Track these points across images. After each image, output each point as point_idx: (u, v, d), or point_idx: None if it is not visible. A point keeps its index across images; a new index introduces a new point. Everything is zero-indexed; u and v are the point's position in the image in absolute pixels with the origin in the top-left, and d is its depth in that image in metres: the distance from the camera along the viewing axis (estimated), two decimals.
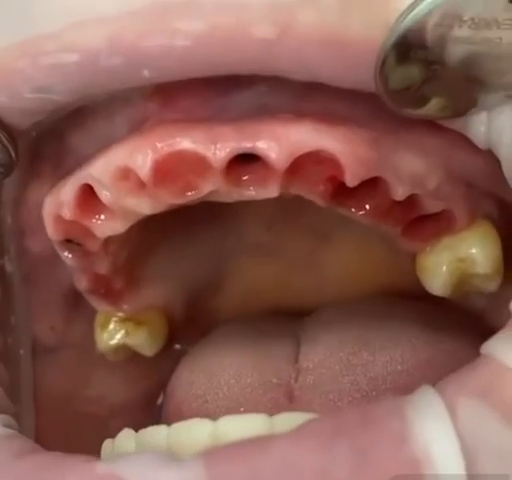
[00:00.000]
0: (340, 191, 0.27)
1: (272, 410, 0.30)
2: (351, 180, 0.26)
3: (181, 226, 0.35)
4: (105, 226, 0.29)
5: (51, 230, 0.30)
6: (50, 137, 0.30)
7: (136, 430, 0.33)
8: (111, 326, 0.35)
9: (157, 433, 0.28)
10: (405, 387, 0.30)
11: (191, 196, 0.27)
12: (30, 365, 0.35)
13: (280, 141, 0.26)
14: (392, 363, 0.31)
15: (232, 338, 0.34)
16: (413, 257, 0.32)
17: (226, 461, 0.22)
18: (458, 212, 0.29)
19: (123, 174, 0.27)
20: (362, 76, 0.25)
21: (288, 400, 0.31)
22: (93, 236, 0.30)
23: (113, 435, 0.32)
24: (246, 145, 0.26)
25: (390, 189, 0.27)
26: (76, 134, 0.30)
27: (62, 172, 0.31)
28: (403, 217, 0.29)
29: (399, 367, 0.31)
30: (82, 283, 0.33)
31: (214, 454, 0.22)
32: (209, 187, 0.27)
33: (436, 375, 0.29)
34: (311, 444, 0.21)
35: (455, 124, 0.27)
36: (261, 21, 0.24)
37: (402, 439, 0.21)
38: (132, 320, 0.35)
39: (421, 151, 0.28)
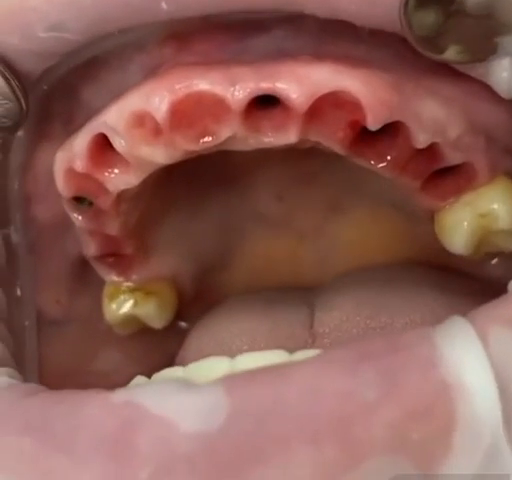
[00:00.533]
0: (360, 138, 0.27)
1: None
2: (373, 122, 0.26)
3: (192, 194, 0.35)
4: (118, 179, 0.28)
5: (62, 185, 0.29)
6: (61, 92, 0.30)
7: None
8: (120, 296, 0.34)
9: (172, 373, 0.27)
10: None
11: (208, 142, 0.27)
12: (35, 337, 0.34)
13: (300, 81, 0.25)
14: (411, 325, 0.30)
15: (243, 306, 0.33)
16: (428, 223, 0.31)
17: (247, 385, 0.21)
18: (478, 166, 0.29)
19: (138, 120, 0.27)
20: (384, 15, 0.25)
21: None
22: (105, 191, 0.29)
23: None
24: (266, 85, 0.26)
25: (411, 136, 0.27)
26: (88, 87, 0.29)
27: (73, 131, 0.30)
28: (423, 168, 0.28)
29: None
30: (91, 248, 0.32)
31: (234, 379, 0.21)
32: (227, 132, 0.26)
33: None
34: (336, 369, 0.21)
35: (476, 71, 0.26)
36: None
37: (432, 363, 0.21)
38: (141, 290, 0.34)
39: (442, 98, 0.28)
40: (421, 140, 0.27)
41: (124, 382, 0.34)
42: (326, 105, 0.26)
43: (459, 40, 0.25)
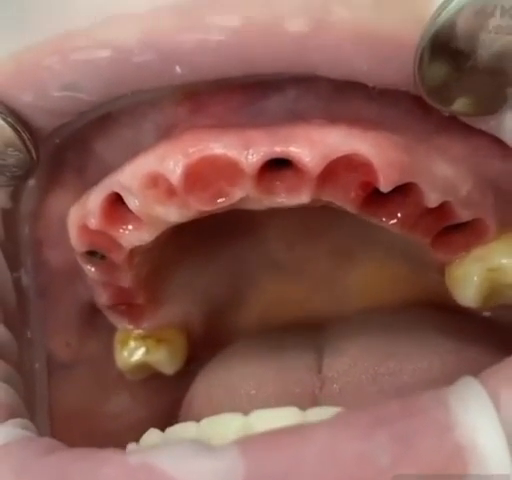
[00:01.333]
0: (372, 199, 0.27)
1: None
2: (385, 185, 0.26)
3: (203, 242, 0.35)
4: (132, 236, 0.29)
5: (75, 241, 0.30)
6: (74, 144, 0.30)
7: None
8: (131, 344, 0.34)
9: (185, 429, 0.27)
10: None
11: (222, 203, 0.27)
12: (45, 380, 0.35)
13: (313, 145, 0.26)
14: (420, 372, 0.30)
15: (251, 350, 0.34)
16: (438, 272, 0.32)
17: (263, 449, 0.21)
18: (488, 222, 0.29)
19: (152, 181, 0.27)
20: (396, 72, 0.26)
21: None
22: (119, 246, 0.29)
23: None
24: (279, 149, 0.26)
25: (423, 196, 0.27)
26: (101, 141, 0.30)
27: (86, 182, 0.31)
28: (434, 226, 0.29)
29: (426, 376, 0.30)
30: (103, 298, 0.32)
31: (250, 442, 0.21)
32: (240, 194, 0.27)
33: None
34: (352, 432, 0.21)
35: (486, 124, 0.27)
36: (295, 15, 0.24)
37: (447, 427, 0.21)
38: (152, 337, 0.35)
39: (452, 157, 0.28)
40: (432, 199, 0.27)
41: (133, 424, 0.35)
42: (338, 167, 0.26)
43: (469, 92, 0.25)
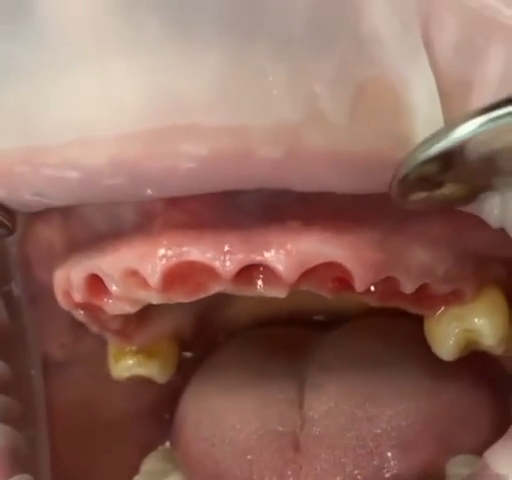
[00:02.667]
0: (348, 287, 0.28)
1: (279, 461, 0.33)
2: (360, 286, 0.27)
3: None
4: (115, 306, 0.30)
5: (62, 302, 0.31)
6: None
7: (147, 441, 0.35)
8: (124, 360, 0.36)
9: None
10: (409, 442, 0.32)
11: (199, 295, 0.28)
12: (42, 384, 0.37)
13: (288, 255, 0.27)
14: (396, 418, 0.32)
15: (235, 377, 0.35)
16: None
17: None
18: (467, 288, 0.30)
19: (132, 272, 0.28)
20: (373, 186, 0.26)
21: (294, 451, 0.33)
22: (104, 311, 0.31)
23: (125, 444, 0.36)
24: (255, 258, 0.27)
25: (399, 284, 0.28)
26: (82, 210, 0.30)
27: (72, 226, 0.31)
28: (410, 299, 0.30)
29: (403, 422, 0.32)
30: (93, 329, 0.34)
31: None
32: (218, 288, 0.28)
33: (439, 429, 0.31)
34: None
35: (466, 208, 0.27)
36: (265, 143, 0.24)
37: None
38: (144, 352, 0.37)
39: (431, 240, 0.29)
40: (409, 287, 0.28)
41: (131, 417, 0.38)
42: (314, 271, 0.27)
43: (456, 184, 0.26)
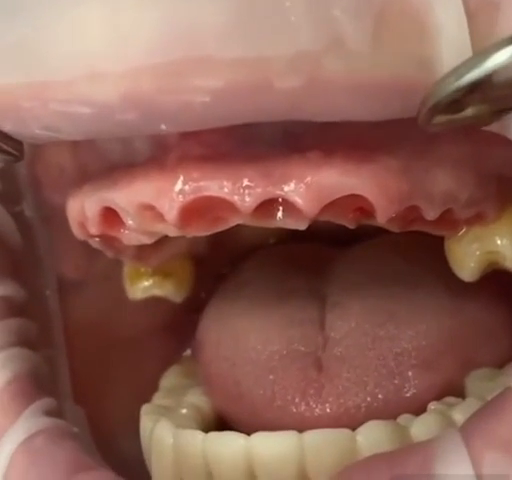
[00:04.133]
0: (370, 216, 0.28)
1: (301, 380, 0.33)
2: (382, 217, 0.27)
3: None
4: (132, 237, 0.30)
5: (76, 232, 0.31)
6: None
7: (166, 356, 0.36)
8: (139, 281, 0.36)
9: (193, 437, 0.31)
10: (430, 362, 0.33)
11: (218, 228, 0.28)
12: (57, 304, 0.37)
13: (308, 188, 0.26)
14: (417, 338, 0.33)
15: (256, 296, 0.36)
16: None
17: None
18: (489, 209, 0.30)
19: (148, 207, 0.28)
20: (398, 113, 0.25)
21: (317, 371, 0.33)
22: (120, 241, 0.30)
23: (143, 360, 0.36)
24: (274, 192, 0.26)
25: (422, 212, 0.28)
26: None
27: (83, 152, 0.31)
28: (433, 224, 0.29)
29: (424, 342, 0.33)
30: (109, 254, 0.34)
31: None
32: (237, 221, 0.27)
33: (460, 348, 0.32)
34: None
35: (490, 127, 0.26)
36: (283, 74, 0.23)
37: None
38: (159, 272, 0.37)
39: (453, 163, 0.28)
40: (432, 215, 0.28)
41: (147, 332, 0.38)
42: (335, 203, 0.27)
43: (482, 105, 0.25)
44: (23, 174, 0.35)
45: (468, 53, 0.24)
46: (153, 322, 0.40)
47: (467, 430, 0.26)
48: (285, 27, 0.23)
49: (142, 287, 0.37)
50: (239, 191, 0.26)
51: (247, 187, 0.26)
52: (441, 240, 0.32)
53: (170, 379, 0.38)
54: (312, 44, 0.23)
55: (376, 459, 0.26)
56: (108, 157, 0.29)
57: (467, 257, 0.31)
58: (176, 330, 0.40)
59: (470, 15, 0.24)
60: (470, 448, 0.25)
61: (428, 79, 0.24)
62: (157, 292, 0.37)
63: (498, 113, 0.25)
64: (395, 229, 0.29)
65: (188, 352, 0.40)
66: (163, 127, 0.24)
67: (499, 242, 0.31)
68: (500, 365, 0.33)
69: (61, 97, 0.24)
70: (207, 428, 0.33)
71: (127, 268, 0.37)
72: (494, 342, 0.33)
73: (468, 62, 0.23)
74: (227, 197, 0.26)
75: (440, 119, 0.24)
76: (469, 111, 0.24)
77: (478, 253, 0.31)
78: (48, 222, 0.36)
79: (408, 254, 0.35)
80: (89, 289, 0.38)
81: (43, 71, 0.24)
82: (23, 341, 0.33)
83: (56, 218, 0.35)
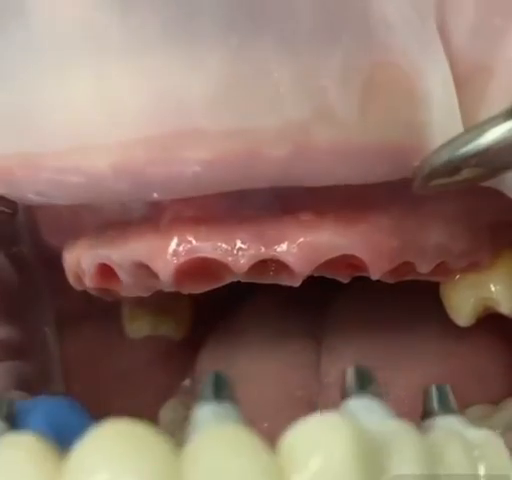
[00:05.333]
0: (363, 271, 0.28)
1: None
2: (375, 274, 0.27)
3: None
4: (128, 292, 0.30)
5: (74, 283, 0.32)
6: None
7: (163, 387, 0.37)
8: (138, 320, 0.37)
9: None
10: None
11: (212, 286, 0.28)
12: (56, 341, 0.38)
13: (301, 249, 0.27)
14: (410, 385, 0.33)
15: (252, 339, 0.36)
16: None
17: None
18: (483, 258, 0.30)
19: (143, 265, 0.28)
20: (386, 174, 0.26)
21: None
22: (116, 293, 0.31)
23: (142, 394, 0.37)
24: (267, 253, 0.27)
25: (415, 267, 0.28)
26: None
27: (78, 209, 0.32)
28: (427, 274, 0.30)
29: (416, 389, 0.33)
30: (108, 299, 0.35)
31: None
32: (231, 279, 0.28)
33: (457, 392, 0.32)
34: None
35: (485, 183, 0.27)
36: (272, 143, 0.24)
37: None
38: (158, 312, 0.37)
39: (445, 218, 0.29)
40: (425, 267, 0.29)
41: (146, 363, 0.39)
42: (328, 263, 0.27)
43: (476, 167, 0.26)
44: (21, 217, 0.35)
45: (457, 118, 0.25)
46: (152, 356, 0.40)
47: None
48: (273, 98, 0.24)
49: (141, 326, 0.37)
50: (233, 252, 0.27)
51: (240, 249, 0.27)
52: (437, 284, 0.32)
53: (169, 412, 0.38)
54: (300, 113, 0.24)
55: None
56: (103, 214, 0.30)
57: (462, 303, 0.32)
58: (174, 362, 0.40)
59: (462, 80, 0.25)
60: None
61: (418, 144, 0.25)
62: (156, 331, 0.37)
63: (492, 173, 0.25)
64: (389, 281, 0.29)
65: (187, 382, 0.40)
66: (155, 195, 0.25)
67: (493, 288, 0.31)
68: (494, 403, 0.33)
69: (53, 166, 0.25)
70: None
71: (125, 308, 0.37)
72: (487, 384, 0.34)
73: (464, 135, 0.23)
74: (221, 259, 0.27)
75: (435, 183, 0.25)
76: (464, 173, 0.25)
77: (473, 299, 0.32)
78: (46, 261, 0.36)
79: (403, 297, 0.35)
80: (88, 324, 0.38)
81: (35, 141, 0.25)
82: (21, 384, 0.34)
83: (55, 258, 0.35)
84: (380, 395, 0.24)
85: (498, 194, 0.27)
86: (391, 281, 0.29)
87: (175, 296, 0.35)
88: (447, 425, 0.25)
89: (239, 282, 0.29)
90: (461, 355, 0.33)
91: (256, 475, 0.19)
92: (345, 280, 0.28)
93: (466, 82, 0.25)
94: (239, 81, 0.23)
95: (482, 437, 0.24)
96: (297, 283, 0.28)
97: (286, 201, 0.27)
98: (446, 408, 0.25)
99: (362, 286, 0.36)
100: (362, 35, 0.24)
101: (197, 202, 0.27)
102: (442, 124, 0.25)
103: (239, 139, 0.24)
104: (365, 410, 0.23)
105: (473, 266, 0.31)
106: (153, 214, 0.28)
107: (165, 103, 0.24)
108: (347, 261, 0.28)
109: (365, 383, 0.24)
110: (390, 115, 0.24)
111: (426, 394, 0.26)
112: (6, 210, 0.28)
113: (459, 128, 0.25)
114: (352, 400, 0.23)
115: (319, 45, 0.24)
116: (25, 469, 0.19)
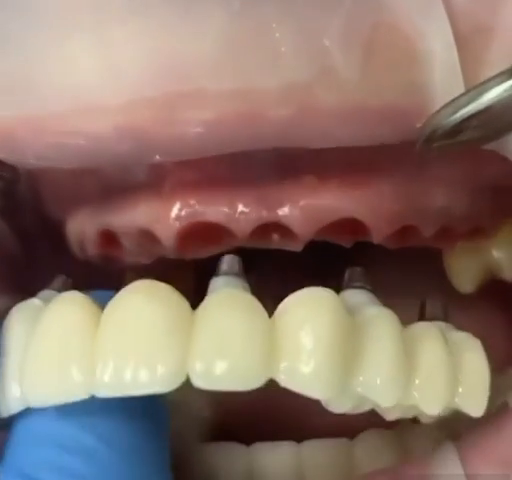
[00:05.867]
0: (366, 236, 0.29)
1: None
2: (377, 238, 0.28)
3: None
4: (130, 257, 0.31)
5: (77, 252, 0.32)
6: None
7: None
8: None
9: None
10: None
11: (215, 251, 0.29)
12: None
13: (303, 212, 0.27)
14: None
15: None
16: None
17: None
18: (486, 223, 0.31)
19: (145, 231, 0.28)
20: (389, 135, 0.26)
21: None
22: (118, 259, 0.31)
23: None
24: (269, 216, 0.27)
25: (419, 231, 0.28)
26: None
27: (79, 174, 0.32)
28: (430, 239, 0.30)
29: None
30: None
31: None
32: (233, 244, 0.28)
33: None
34: None
35: (487, 146, 0.27)
36: (275, 104, 0.24)
37: None
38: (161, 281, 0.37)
39: (447, 182, 0.29)
40: (428, 231, 0.29)
41: None
42: (331, 225, 0.27)
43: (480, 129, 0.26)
44: (23, 189, 0.35)
45: (459, 78, 0.25)
46: None
47: (464, 447, 0.27)
48: (275, 58, 0.24)
49: None
50: (235, 216, 0.27)
51: (242, 213, 0.27)
52: (440, 257, 0.33)
53: None
54: (302, 74, 0.24)
55: (375, 476, 0.27)
56: (105, 179, 0.30)
57: (465, 269, 0.32)
58: None
59: (462, 40, 0.25)
60: (466, 465, 0.26)
61: (419, 105, 0.25)
62: None
63: (495, 134, 0.26)
64: (392, 246, 0.29)
65: None
66: (157, 157, 0.25)
67: (495, 254, 0.32)
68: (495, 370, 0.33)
69: (55, 129, 0.25)
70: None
71: (128, 278, 0.37)
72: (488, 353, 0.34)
73: (466, 95, 0.24)
74: (223, 222, 0.27)
75: (438, 144, 0.25)
76: (466, 134, 0.25)
77: (475, 265, 0.32)
78: (48, 231, 0.37)
79: (405, 269, 0.36)
80: None
81: (37, 104, 0.25)
82: None
83: (56, 228, 0.36)
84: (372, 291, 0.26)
85: (500, 159, 0.27)
86: (394, 246, 0.29)
87: (178, 265, 0.36)
88: (434, 325, 0.26)
89: (243, 253, 0.29)
90: (463, 326, 0.33)
91: (254, 334, 0.23)
92: (347, 245, 0.28)
93: (467, 43, 0.25)
94: (240, 41, 0.24)
95: (461, 336, 0.26)
96: (299, 248, 0.28)
97: (288, 165, 0.27)
98: (436, 317, 0.27)
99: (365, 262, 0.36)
100: None
101: (199, 166, 0.27)
102: (444, 84, 0.25)
103: (241, 99, 0.24)
104: (357, 296, 0.26)
105: (475, 232, 0.31)
106: (155, 180, 0.28)
107: (166, 64, 0.24)
108: (349, 225, 0.28)
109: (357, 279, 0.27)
110: (391, 76, 0.24)
111: (422, 304, 0.28)
112: (7, 176, 0.28)
113: (461, 88, 0.25)
114: (347, 291, 0.26)
115: (321, 6, 0.24)
116: (76, 315, 0.24)
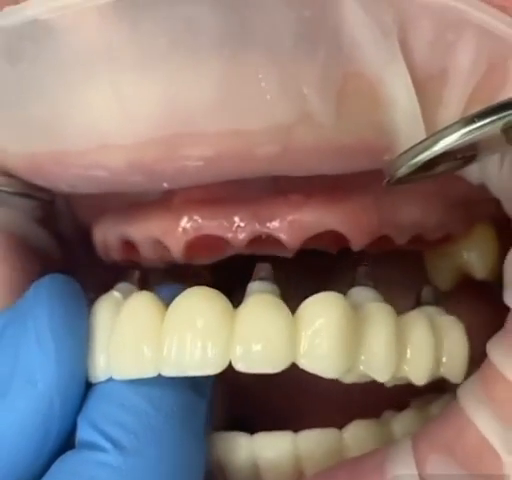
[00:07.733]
0: (346, 244, 0.34)
1: None
2: (356, 246, 0.33)
3: None
4: (147, 263, 0.37)
5: (103, 256, 0.38)
6: None
7: None
8: None
9: None
10: None
11: (217, 258, 0.34)
12: None
13: (291, 226, 0.32)
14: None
15: None
16: None
17: None
18: (457, 230, 0.36)
19: (158, 241, 0.34)
20: (360, 166, 0.30)
21: None
22: (140, 265, 0.37)
23: None
24: (262, 229, 0.33)
25: (393, 240, 0.34)
26: None
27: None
28: (405, 245, 0.35)
29: None
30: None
31: None
32: (233, 252, 0.34)
33: None
34: None
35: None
36: (262, 143, 0.29)
37: None
38: (182, 279, 0.43)
39: (419, 197, 0.34)
40: (402, 240, 0.34)
41: None
42: (316, 236, 0.33)
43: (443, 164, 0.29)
44: (60, 202, 0.41)
45: (419, 118, 0.29)
46: None
47: (416, 435, 0.31)
48: (261, 104, 0.28)
49: None
50: (232, 229, 0.33)
51: (239, 226, 0.33)
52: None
53: None
54: (285, 118, 0.29)
55: (337, 469, 0.32)
56: (125, 197, 0.35)
57: (440, 269, 0.37)
58: None
59: (421, 86, 0.29)
60: (416, 451, 0.30)
61: (386, 141, 0.29)
62: None
63: (454, 169, 0.30)
64: (371, 251, 0.35)
65: None
66: (165, 185, 0.31)
67: (466, 256, 0.37)
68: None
69: (79, 163, 0.30)
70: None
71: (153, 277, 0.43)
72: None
73: (423, 143, 0.28)
74: (223, 234, 0.33)
75: (408, 178, 0.29)
76: (435, 170, 0.29)
77: (450, 266, 0.37)
78: (82, 237, 0.42)
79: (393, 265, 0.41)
80: None
81: (62, 142, 0.30)
82: None
83: (88, 235, 0.41)
84: (375, 287, 0.33)
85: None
86: (373, 252, 0.35)
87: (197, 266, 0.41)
88: (424, 311, 0.33)
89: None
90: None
91: (281, 326, 0.30)
92: (333, 252, 0.34)
93: (425, 89, 0.29)
94: (233, 89, 0.28)
95: (448, 318, 0.33)
96: (290, 255, 0.33)
97: (278, 186, 0.33)
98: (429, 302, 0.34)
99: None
100: (335, 50, 0.28)
101: (203, 188, 0.33)
102: (407, 124, 0.29)
103: (235, 138, 0.29)
104: (362, 293, 0.33)
105: (448, 237, 0.36)
106: (165, 198, 0.34)
107: (171, 108, 0.29)
108: (331, 236, 0.33)
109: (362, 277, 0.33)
110: (361, 118, 0.29)
111: (419, 293, 0.35)
112: (44, 197, 0.34)
113: (421, 128, 0.29)
114: (354, 289, 0.33)
115: (299, 59, 0.28)
116: (147, 309, 0.31)
